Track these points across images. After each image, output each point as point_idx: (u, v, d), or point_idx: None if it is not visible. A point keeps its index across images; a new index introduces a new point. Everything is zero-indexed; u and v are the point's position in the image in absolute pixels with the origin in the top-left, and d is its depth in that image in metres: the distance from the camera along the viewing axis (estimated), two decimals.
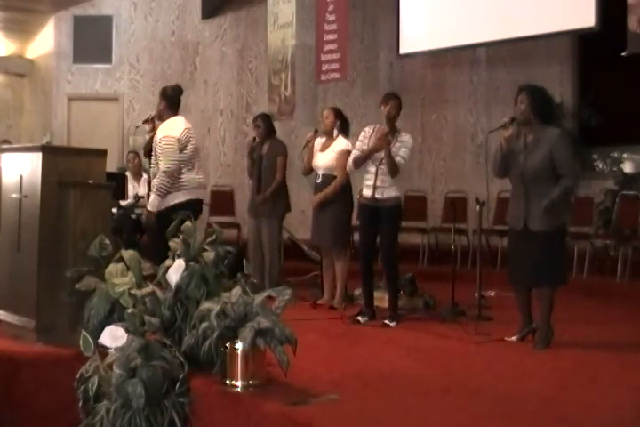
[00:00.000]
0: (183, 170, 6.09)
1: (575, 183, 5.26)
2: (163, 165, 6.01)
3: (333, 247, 6.90)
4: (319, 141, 7.05)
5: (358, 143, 6.32)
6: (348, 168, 6.44)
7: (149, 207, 6.13)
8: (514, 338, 5.36)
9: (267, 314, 3.94)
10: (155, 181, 6.06)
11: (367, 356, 4.93)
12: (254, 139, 7.64)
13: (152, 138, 6.36)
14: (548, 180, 5.17)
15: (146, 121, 6.60)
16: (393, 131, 6.17)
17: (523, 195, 5.27)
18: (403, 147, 6.12)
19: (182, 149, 6.07)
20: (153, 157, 6.23)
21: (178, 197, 6.06)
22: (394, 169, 6.07)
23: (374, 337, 5.61)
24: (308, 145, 7.13)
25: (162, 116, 6.29)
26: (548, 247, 5.17)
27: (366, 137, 6.26)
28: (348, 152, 6.63)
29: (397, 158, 6.07)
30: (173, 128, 6.12)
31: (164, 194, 6.00)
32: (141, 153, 8.54)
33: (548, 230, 5.16)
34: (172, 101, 6.26)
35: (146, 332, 3.73)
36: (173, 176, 6.02)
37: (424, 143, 10.92)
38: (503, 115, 5.51)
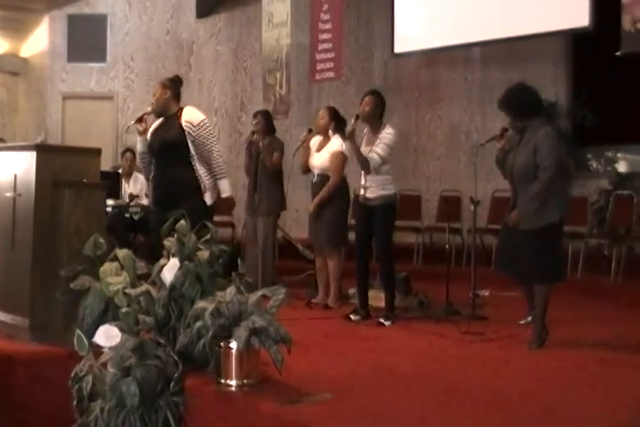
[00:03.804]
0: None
1: (551, 176, 5.14)
2: (216, 149, 5.85)
3: (327, 246, 6.90)
4: (315, 140, 7.06)
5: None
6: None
7: (228, 193, 5.99)
8: (526, 320, 5.37)
9: (261, 313, 3.94)
10: (217, 167, 5.87)
11: (361, 355, 4.94)
12: (253, 133, 7.64)
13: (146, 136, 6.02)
14: (533, 178, 5.19)
15: (139, 120, 5.99)
16: (377, 127, 6.19)
17: (513, 193, 5.35)
18: (381, 143, 6.12)
19: None
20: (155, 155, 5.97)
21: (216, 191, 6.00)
22: (364, 165, 6.11)
23: (369, 336, 5.61)
24: (303, 145, 7.13)
25: (166, 108, 5.90)
26: (535, 246, 5.17)
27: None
28: (342, 153, 6.69)
29: (372, 155, 6.08)
30: (200, 113, 5.93)
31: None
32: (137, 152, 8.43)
33: (536, 229, 5.17)
34: (176, 91, 5.97)
35: (140, 331, 3.72)
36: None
37: (418, 142, 10.94)
38: (497, 114, 5.55)
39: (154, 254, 4.78)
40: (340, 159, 6.76)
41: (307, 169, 7.09)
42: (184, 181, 5.80)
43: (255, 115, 7.77)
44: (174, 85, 5.99)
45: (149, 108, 6.04)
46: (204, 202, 5.87)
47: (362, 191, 6.22)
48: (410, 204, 9.96)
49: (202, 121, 5.84)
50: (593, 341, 5.46)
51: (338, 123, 6.95)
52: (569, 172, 9.08)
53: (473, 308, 6.34)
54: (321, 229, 6.88)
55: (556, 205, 5.21)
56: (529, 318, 5.43)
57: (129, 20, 12.33)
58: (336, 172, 6.78)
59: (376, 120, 6.22)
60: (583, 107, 9.34)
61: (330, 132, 6.96)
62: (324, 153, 6.92)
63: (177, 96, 5.99)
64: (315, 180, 7.00)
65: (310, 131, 7.15)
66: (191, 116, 5.87)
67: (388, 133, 6.15)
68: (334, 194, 6.81)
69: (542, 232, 5.17)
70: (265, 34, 10.88)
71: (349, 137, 6.10)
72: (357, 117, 6.14)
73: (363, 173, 6.18)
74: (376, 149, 6.08)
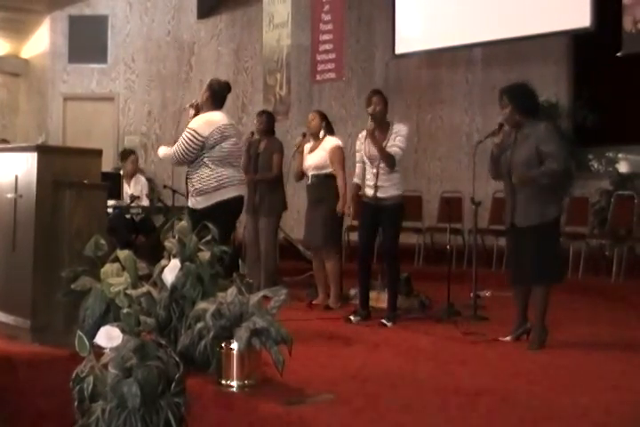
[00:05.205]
0: (224, 166, 5.75)
1: (560, 170, 5.13)
2: (175, 150, 5.72)
3: (324, 246, 6.90)
4: (307, 145, 7.08)
5: (357, 154, 6.35)
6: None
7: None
8: (508, 338, 5.36)
9: (262, 314, 3.94)
10: (169, 151, 5.82)
11: (362, 356, 4.93)
12: (252, 134, 7.65)
13: None
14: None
15: (192, 105, 6.07)
16: (385, 125, 6.16)
17: (510, 191, 5.30)
18: (397, 136, 6.11)
19: (212, 147, 5.68)
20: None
21: (225, 194, 5.74)
22: (389, 161, 6.07)
23: (370, 337, 5.60)
24: (299, 150, 7.11)
25: (202, 107, 5.94)
26: (535, 244, 5.16)
27: (362, 143, 6.27)
28: (340, 147, 6.85)
29: (394, 149, 6.07)
30: (206, 125, 5.74)
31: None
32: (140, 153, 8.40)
33: (533, 226, 5.16)
34: (216, 96, 5.94)
35: (141, 332, 3.72)
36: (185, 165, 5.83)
37: (420, 143, 10.93)
38: (498, 115, 5.52)
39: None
40: (340, 153, 6.83)
41: (301, 176, 7.10)
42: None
43: (260, 113, 7.77)
44: (217, 89, 5.98)
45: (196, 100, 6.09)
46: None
47: (370, 191, 6.20)
48: (411, 204, 9.92)
49: (193, 129, 5.72)
50: (594, 341, 5.46)
51: (328, 124, 7.03)
52: (570, 172, 9.10)
53: (474, 308, 6.34)
54: (315, 231, 6.88)
55: (555, 202, 5.24)
56: (508, 338, 5.38)
57: (130, 21, 12.35)
58: (340, 167, 6.81)
59: (384, 118, 6.22)
60: (584, 107, 9.35)
61: (321, 133, 6.97)
62: (318, 151, 6.92)
63: (216, 100, 5.95)
64: (310, 181, 6.98)
65: (304, 135, 7.14)
66: (195, 120, 5.83)
67: (401, 128, 6.14)
68: (329, 194, 6.79)
69: (542, 229, 5.16)
70: (266, 34, 10.89)
71: (370, 135, 6.09)
72: (374, 117, 6.13)
73: (373, 172, 6.14)
74: (395, 143, 6.08)
